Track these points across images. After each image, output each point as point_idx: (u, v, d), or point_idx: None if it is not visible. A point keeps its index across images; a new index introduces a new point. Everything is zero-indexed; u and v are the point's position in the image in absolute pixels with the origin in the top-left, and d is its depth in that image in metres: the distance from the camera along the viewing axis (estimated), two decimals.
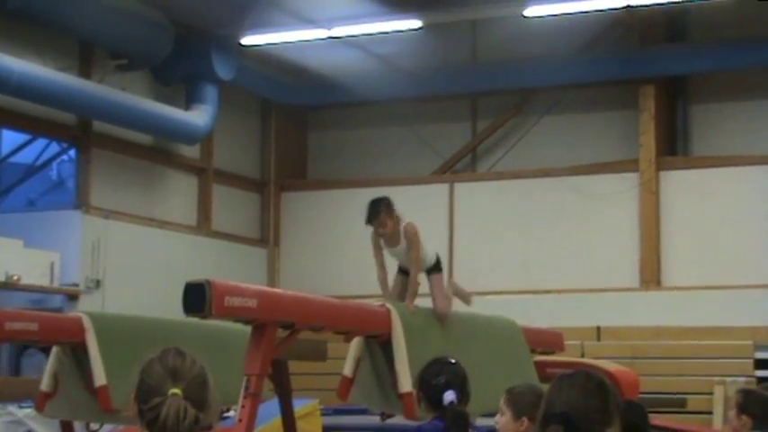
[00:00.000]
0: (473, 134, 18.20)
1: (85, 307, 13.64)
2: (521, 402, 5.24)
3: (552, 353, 9.90)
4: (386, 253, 8.48)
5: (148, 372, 3.30)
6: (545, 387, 8.17)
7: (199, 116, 15.88)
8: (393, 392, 7.29)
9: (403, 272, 8.49)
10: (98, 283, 14.86)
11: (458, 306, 9.64)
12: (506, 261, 17.01)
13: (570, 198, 16.86)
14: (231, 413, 8.28)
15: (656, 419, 9.02)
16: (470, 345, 8.05)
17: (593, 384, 3.69)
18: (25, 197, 16.93)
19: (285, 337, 7.05)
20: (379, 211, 8.35)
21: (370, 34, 15.90)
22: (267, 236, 18.53)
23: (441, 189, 17.59)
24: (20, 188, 16.74)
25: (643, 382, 10.22)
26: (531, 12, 14.99)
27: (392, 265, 8.50)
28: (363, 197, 18.10)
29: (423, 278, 8.40)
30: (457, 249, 17.25)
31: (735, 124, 16.70)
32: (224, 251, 17.20)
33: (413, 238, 8.26)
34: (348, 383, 7.47)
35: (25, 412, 11.49)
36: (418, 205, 16.68)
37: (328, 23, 15.44)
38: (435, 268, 8.48)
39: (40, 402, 8.12)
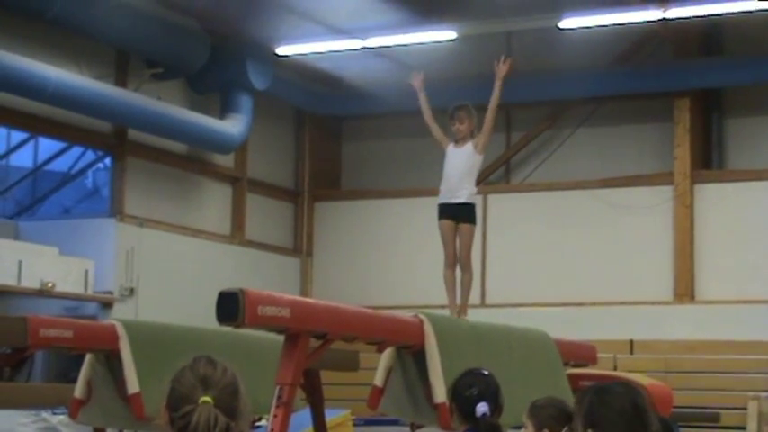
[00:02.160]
0: (507, 145, 18.17)
1: (119, 315, 13.69)
2: (541, 415, 5.30)
3: (585, 365, 9.87)
4: (448, 156, 9.33)
5: (179, 379, 3.28)
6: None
7: (233, 125, 15.94)
8: (424, 403, 7.28)
9: (445, 214, 9.19)
10: (132, 291, 14.92)
11: (492, 318, 9.65)
12: (539, 273, 16.97)
13: (604, 210, 16.80)
14: (263, 422, 8.30)
15: None
16: (503, 356, 8.04)
17: (631, 397, 3.68)
18: (60, 205, 17.03)
19: (318, 346, 7.05)
20: (464, 108, 9.39)
21: (405, 45, 15.92)
22: (300, 245, 18.56)
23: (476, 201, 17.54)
24: (55, 196, 16.86)
25: (676, 396, 10.17)
26: (565, 24, 14.98)
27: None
28: (396, 208, 18.22)
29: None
30: (489, 261, 17.22)
31: None
32: (257, 260, 17.23)
33: (483, 141, 9.23)
34: (378, 393, 7.47)
35: (59, 419, 11.55)
36: None
37: (363, 34, 15.48)
38: (473, 216, 9.32)
39: (74, 409, 8.16)
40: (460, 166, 9.26)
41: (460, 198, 9.28)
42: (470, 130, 9.32)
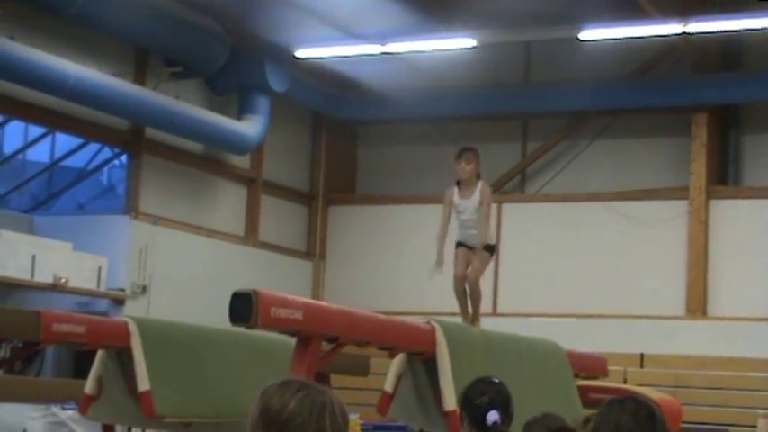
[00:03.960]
0: (523, 155, 18.16)
1: (131, 312, 13.71)
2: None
3: (595, 378, 9.87)
4: (458, 209, 9.33)
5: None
6: (585, 412, 8.12)
7: (250, 127, 15.96)
8: (434, 410, 7.29)
9: (462, 245, 9.27)
10: (144, 289, 14.94)
11: (503, 327, 9.65)
12: (552, 283, 16.95)
13: (618, 223, 16.78)
14: None
15: None
16: (514, 366, 8.04)
17: (644, 413, 3.67)
18: (75, 201, 17.07)
19: (329, 350, 7.06)
20: (472, 151, 9.48)
21: (424, 51, 15.93)
22: (313, 249, 18.57)
23: None
24: (71, 192, 16.88)
25: (686, 411, 10.16)
26: (585, 35, 14.98)
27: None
28: (410, 214, 18.22)
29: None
30: (502, 270, 17.20)
31: None
32: (270, 262, 17.24)
33: (488, 195, 9.41)
34: (388, 399, 7.47)
35: (68, 414, 11.57)
36: None
37: (382, 39, 15.49)
38: (490, 249, 9.40)
39: (84, 405, 8.18)
40: (472, 216, 9.36)
41: (480, 241, 9.35)
42: (476, 173, 9.44)
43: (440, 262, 9.23)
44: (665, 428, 3.66)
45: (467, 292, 9.35)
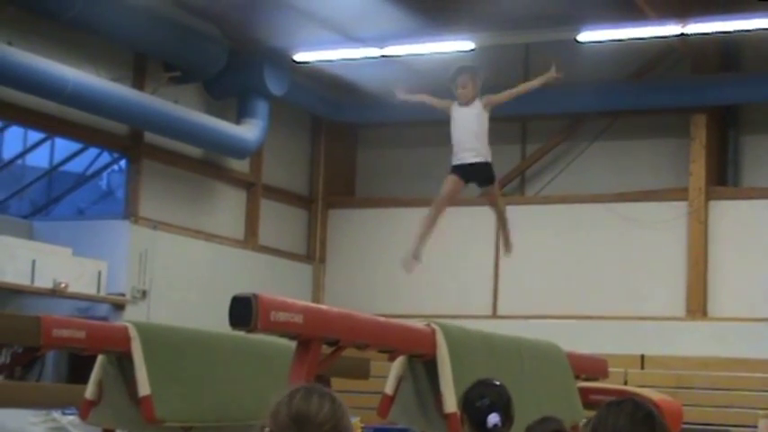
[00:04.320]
0: (522, 157, 18.16)
1: (131, 317, 13.71)
2: None
3: (596, 379, 9.86)
4: (454, 117, 8.95)
5: (275, 418, 3.06)
6: (585, 414, 8.12)
7: (249, 131, 15.96)
8: (434, 412, 7.28)
9: (457, 170, 8.86)
10: (144, 294, 14.94)
11: (503, 329, 9.64)
12: (552, 285, 16.95)
13: (618, 224, 16.78)
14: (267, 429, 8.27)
15: None
16: (515, 368, 8.04)
17: (642, 414, 3.66)
18: (75, 206, 17.07)
19: (329, 353, 7.05)
20: (467, 71, 8.92)
21: (423, 54, 15.94)
22: (313, 252, 18.57)
23: (488, 211, 17.46)
24: (70, 197, 16.89)
25: (686, 412, 10.16)
26: (584, 37, 14.98)
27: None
28: (410, 217, 18.22)
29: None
30: (502, 272, 17.19)
31: None
32: (270, 266, 17.24)
33: (492, 100, 8.92)
34: (389, 402, 7.46)
35: (69, 419, 11.56)
36: (465, 227, 16.74)
37: (380, 42, 15.49)
38: (493, 177, 9.03)
39: (84, 410, 8.17)
40: (471, 126, 8.95)
41: (479, 158, 8.99)
42: (474, 94, 9.00)
43: (417, 253, 8.80)
44: (663, 430, 3.65)
45: (434, 223, 8.91)
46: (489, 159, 9.00)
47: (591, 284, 16.78)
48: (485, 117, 8.98)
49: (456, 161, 8.98)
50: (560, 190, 17.56)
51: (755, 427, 14.55)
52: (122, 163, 16.03)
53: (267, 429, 3.03)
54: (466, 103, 8.91)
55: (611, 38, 15.10)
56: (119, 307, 14.71)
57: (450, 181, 8.92)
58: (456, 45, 15.56)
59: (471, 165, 8.95)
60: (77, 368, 13.50)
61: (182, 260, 15.64)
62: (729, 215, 16.35)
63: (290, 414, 3.02)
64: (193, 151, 16.03)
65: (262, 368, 8.81)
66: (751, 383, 15.24)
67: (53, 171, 17.09)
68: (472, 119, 8.87)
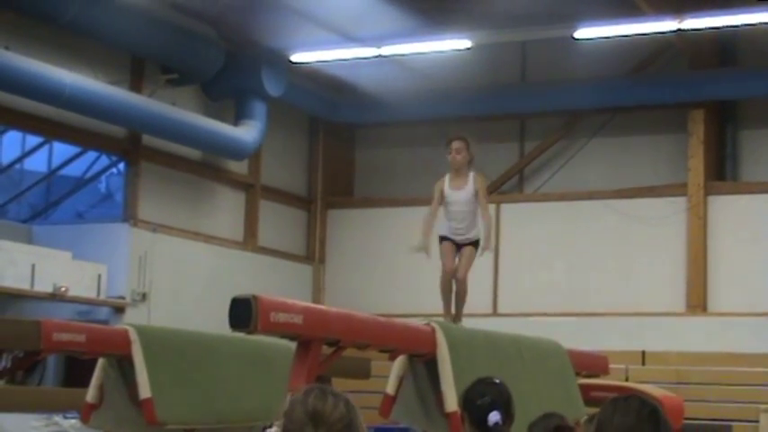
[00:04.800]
0: (521, 155, 18.16)
1: (131, 320, 13.71)
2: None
3: (597, 376, 9.86)
4: (449, 200, 9.19)
5: (290, 416, 3.16)
6: (587, 411, 8.11)
7: (247, 132, 15.96)
8: (436, 411, 7.28)
9: (448, 239, 9.18)
10: (144, 296, 14.94)
11: (503, 327, 9.65)
12: (552, 283, 16.96)
13: (617, 221, 16.79)
14: (274, 428, 8.29)
15: None
16: (515, 366, 8.04)
17: (647, 411, 3.66)
18: (74, 209, 17.07)
19: (330, 353, 7.06)
20: (463, 139, 9.26)
21: (420, 53, 15.94)
22: (313, 253, 18.57)
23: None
24: (69, 200, 16.89)
25: (688, 408, 10.15)
26: (580, 34, 14.98)
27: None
28: (409, 216, 18.20)
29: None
30: (502, 270, 17.20)
31: None
32: (269, 267, 17.24)
33: (483, 186, 9.30)
34: (390, 401, 7.47)
35: (70, 423, 11.55)
36: None
37: (377, 42, 15.50)
38: (476, 244, 9.25)
39: (86, 413, 8.18)
40: (464, 210, 9.27)
41: (467, 241, 9.31)
42: (467, 161, 9.31)
43: (426, 248, 9.11)
44: (668, 427, 3.65)
45: (453, 288, 9.30)
46: (479, 238, 9.32)
47: (591, 281, 16.79)
48: (476, 203, 9.31)
49: (446, 234, 9.30)
50: (559, 187, 17.57)
51: (757, 421, 14.59)
52: (121, 166, 16.02)
53: (277, 428, 3.13)
54: (457, 178, 9.25)
55: (607, 34, 15.10)
56: (119, 310, 14.72)
57: (446, 247, 9.27)
58: (453, 44, 15.57)
59: (463, 242, 9.31)
60: (74, 372, 13.52)
61: (181, 262, 15.64)
62: (728, 210, 16.35)
63: (306, 411, 3.12)
64: (192, 153, 16.03)
65: (262, 370, 8.81)
66: (752, 378, 15.24)
67: (52, 175, 17.09)
68: (464, 202, 9.24)
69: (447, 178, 9.33)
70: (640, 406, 3.68)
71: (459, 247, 9.30)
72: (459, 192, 9.23)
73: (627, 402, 3.70)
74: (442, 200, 9.29)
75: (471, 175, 9.29)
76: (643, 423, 3.63)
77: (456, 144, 9.25)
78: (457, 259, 9.28)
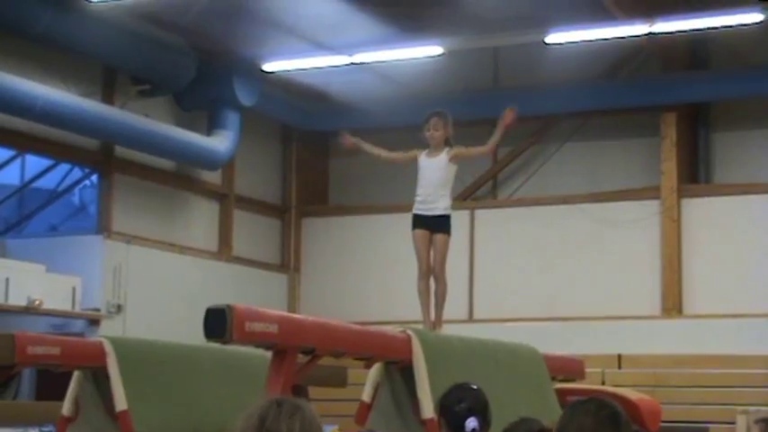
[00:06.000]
0: (494, 160, 18.17)
1: (107, 332, 13.67)
2: None
3: (573, 380, 9.87)
4: (421, 166, 9.20)
5: (244, 426, 3.04)
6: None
7: (220, 142, 15.93)
8: (412, 418, 7.27)
9: (419, 222, 9.12)
10: (119, 308, 14.90)
11: (479, 333, 9.63)
12: (527, 288, 16.97)
13: (591, 225, 16.82)
14: None
15: None
16: (491, 371, 8.03)
17: (606, 413, 3.68)
18: (47, 222, 17.00)
19: (306, 362, 7.04)
20: (439, 115, 9.24)
21: (392, 60, 15.94)
22: (288, 261, 18.54)
23: (461, 216, 17.50)
24: (42, 213, 16.82)
25: (665, 410, 10.16)
26: (552, 39, 15.01)
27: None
28: (384, 223, 18.21)
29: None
30: (477, 276, 17.21)
31: (757, 152, 16.65)
32: (245, 277, 17.21)
33: (460, 149, 9.22)
34: (366, 409, 7.46)
35: None
36: None
37: (349, 50, 15.50)
38: (448, 226, 9.15)
39: (61, 427, 8.13)
40: (435, 177, 9.17)
41: (436, 210, 9.18)
42: (445, 138, 9.22)
43: (357, 141, 9.72)
44: (629, 428, 3.67)
45: (429, 293, 9.22)
46: (449, 213, 9.22)
47: (566, 286, 16.81)
48: (451, 169, 9.22)
49: (417, 211, 9.23)
50: (533, 192, 17.59)
51: (734, 423, 14.63)
52: (94, 178, 15.98)
53: None
54: (434, 151, 9.17)
55: (578, 39, 15.13)
56: (94, 322, 14.66)
57: (419, 236, 9.20)
58: (425, 50, 15.58)
59: (432, 216, 9.18)
60: (47, 385, 13.44)
61: (156, 273, 15.60)
62: (702, 212, 16.40)
63: (257, 429, 2.98)
64: (165, 164, 16.00)
65: (239, 380, 8.78)
66: (728, 380, 15.29)
67: (24, 188, 17.02)
68: (438, 171, 9.13)
69: (425, 152, 9.27)
70: (599, 408, 3.70)
71: (430, 234, 9.15)
72: (432, 159, 9.16)
73: (585, 405, 3.72)
74: (409, 161, 9.31)
75: (446, 149, 9.20)
76: (602, 425, 3.64)
77: (434, 120, 9.20)
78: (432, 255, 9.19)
